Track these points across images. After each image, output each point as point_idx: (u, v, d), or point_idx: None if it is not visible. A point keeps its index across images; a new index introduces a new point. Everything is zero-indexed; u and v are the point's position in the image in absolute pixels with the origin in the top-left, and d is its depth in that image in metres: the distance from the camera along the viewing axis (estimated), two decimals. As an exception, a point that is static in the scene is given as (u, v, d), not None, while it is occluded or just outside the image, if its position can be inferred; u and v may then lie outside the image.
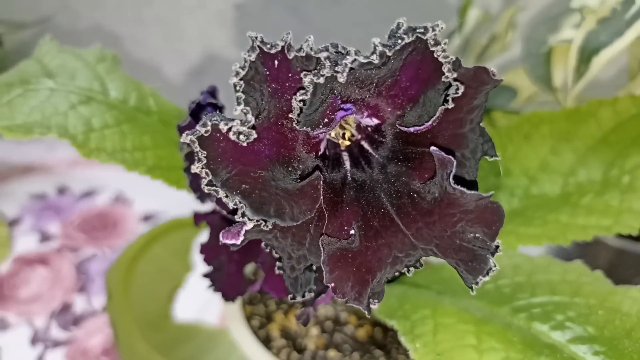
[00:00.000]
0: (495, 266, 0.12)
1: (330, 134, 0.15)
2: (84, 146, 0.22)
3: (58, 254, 0.52)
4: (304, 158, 0.15)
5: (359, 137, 0.16)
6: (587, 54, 0.25)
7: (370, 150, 0.15)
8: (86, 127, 0.23)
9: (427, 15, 0.54)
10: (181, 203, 0.52)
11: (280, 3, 0.58)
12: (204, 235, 0.24)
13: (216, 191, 0.13)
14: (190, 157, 0.22)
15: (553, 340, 0.17)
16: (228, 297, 0.22)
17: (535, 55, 0.28)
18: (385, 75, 0.13)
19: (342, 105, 0.14)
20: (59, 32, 0.67)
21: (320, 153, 0.15)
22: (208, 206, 0.23)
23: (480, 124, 0.14)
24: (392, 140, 0.15)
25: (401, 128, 0.14)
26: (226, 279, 0.22)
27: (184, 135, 0.13)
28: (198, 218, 0.23)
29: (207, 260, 0.22)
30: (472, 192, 0.12)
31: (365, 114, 0.15)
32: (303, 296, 0.15)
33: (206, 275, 0.22)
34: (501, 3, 0.38)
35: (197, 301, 0.46)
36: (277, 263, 0.16)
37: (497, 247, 0.12)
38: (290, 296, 0.15)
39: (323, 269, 0.13)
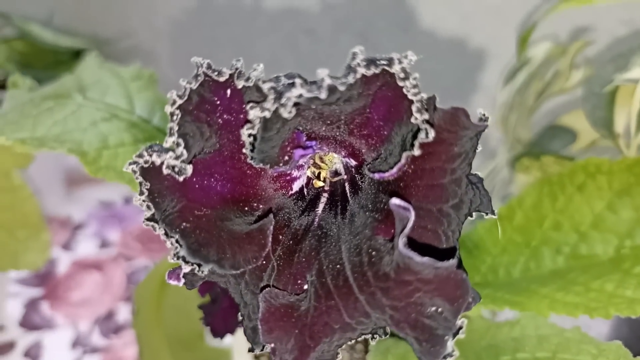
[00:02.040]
0: (454, 352, 0.10)
1: (304, 174, 0.14)
2: (93, 163, 0.22)
3: (114, 262, 0.54)
4: (269, 197, 0.13)
5: (345, 177, 0.14)
6: (654, 98, 0.21)
7: (349, 195, 0.14)
8: (101, 144, 0.23)
9: (502, 44, 0.51)
10: None
11: (349, 29, 0.57)
12: None
13: (154, 227, 0.12)
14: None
15: None
16: (217, 333, 0.20)
17: (597, 95, 0.25)
18: (353, 112, 0.11)
19: (306, 143, 0.12)
20: (139, 49, 0.71)
21: (292, 193, 0.14)
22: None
23: (472, 175, 0.12)
24: (367, 187, 0.13)
25: (368, 174, 0.12)
26: (219, 314, 0.21)
27: (126, 164, 0.12)
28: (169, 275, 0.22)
29: (201, 292, 0.21)
30: (426, 258, 0.10)
31: (343, 153, 0.13)
32: (262, 349, 0.14)
33: (200, 307, 0.21)
34: (568, 35, 0.34)
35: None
36: (239, 316, 0.14)
37: (460, 328, 0.10)
38: (249, 348, 0.14)
39: (260, 326, 0.11)
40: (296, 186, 0.14)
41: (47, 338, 0.45)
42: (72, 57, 0.59)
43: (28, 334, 0.45)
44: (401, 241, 0.10)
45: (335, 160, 0.14)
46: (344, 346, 0.18)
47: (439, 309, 0.10)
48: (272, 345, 0.12)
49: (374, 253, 0.11)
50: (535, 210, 0.25)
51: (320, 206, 0.14)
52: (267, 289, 0.12)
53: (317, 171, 0.14)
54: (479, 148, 0.12)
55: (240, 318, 0.14)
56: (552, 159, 0.26)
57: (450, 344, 0.10)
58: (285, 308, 0.12)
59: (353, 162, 0.13)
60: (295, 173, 0.14)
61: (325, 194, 0.14)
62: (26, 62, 0.59)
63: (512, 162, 0.29)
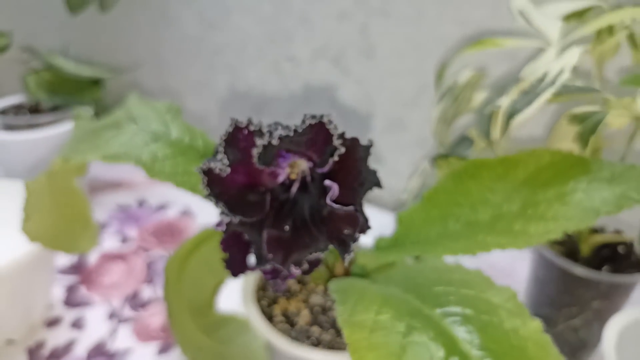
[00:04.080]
0: (351, 250, 0.22)
1: (285, 171, 0.26)
2: (150, 170, 0.34)
3: (134, 253, 0.65)
4: (266, 184, 0.25)
5: (307, 173, 0.26)
6: (507, 118, 0.34)
7: (308, 182, 0.26)
8: (153, 157, 0.34)
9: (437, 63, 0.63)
10: None
11: (324, 56, 0.69)
12: None
13: (209, 199, 0.24)
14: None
15: (432, 313, 0.26)
16: (235, 274, 0.32)
17: (483, 116, 0.37)
18: (307, 140, 0.23)
19: (285, 154, 0.24)
20: (149, 76, 0.82)
21: (278, 181, 0.26)
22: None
23: (370, 168, 0.24)
24: (317, 177, 0.25)
25: (316, 170, 0.24)
26: (235, 263, 0.32)
27: (196, 167, 0.24)
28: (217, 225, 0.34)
29: (224, 250, 0.33)
30: (338, 205, 0.22)
31: (305, 160, 0.25)
32: (261, 265, 0.25)
33: (223, 260, 0.33)
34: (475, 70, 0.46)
35: (234, 298, 0.57)
36: (251, 250, 0.26)
37: (357, 239, 0.22)
38: (257, 264, 0.26)
39: (264, 246, 0.23)
40: (280, 178, 0.26)
41: (88, 313, 0.56)
42: (92, 85, 0.70)
43: (71, 310, 0.56)
44: (329, 199, 0.22)
45: (301, 164, 0.26)
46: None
47: (347, 231, 0.22)
48: (270, 255, 0.23)
49: (319, 208, 0.23)
50: (445, 193, 0.37)
51: (294, 188, 0.26)
52: (267, 228, 0.24)
53: (291, 170, 0.26)
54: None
55: (252, 250, 0.26)
56: (456, 159, 0.38)
57: (352, 245, 0.22)
58: (277, 237, 0.23)
59: (310, 164, 0.25)
60: (280, 171, 0.26)
61: (296, 182, 0.26)
62: (53, 90, 0.70)
63: (431, 162, 0.41)
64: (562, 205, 0.31)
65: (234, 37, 0.73)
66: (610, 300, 0.46)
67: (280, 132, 0.22)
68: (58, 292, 0.59)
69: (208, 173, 0.23)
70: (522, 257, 0.61)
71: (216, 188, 0.24)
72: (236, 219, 0.24)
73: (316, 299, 0.39)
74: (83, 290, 0.59)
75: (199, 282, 0.51)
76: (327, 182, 0.23)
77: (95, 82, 0.70)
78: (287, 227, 0.24)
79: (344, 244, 0.22)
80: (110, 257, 0.64)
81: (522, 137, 0.37)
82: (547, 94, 0.31)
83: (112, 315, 0.56)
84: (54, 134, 0.64)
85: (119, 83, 0.75)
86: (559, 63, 0.32)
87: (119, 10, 0.74)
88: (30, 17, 0.83)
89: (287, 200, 0.25)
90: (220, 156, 0.23)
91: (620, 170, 0.31)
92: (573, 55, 0.31)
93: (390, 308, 0.27)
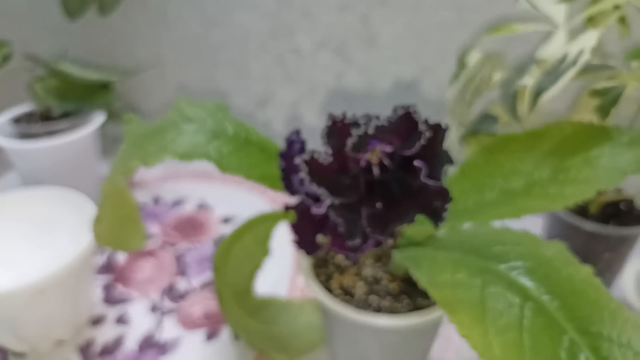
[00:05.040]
0: (444, 218, 0.26)
1: (366, 156, 0.29)
2: (220, 164, 0.36)
3: (161, 249, 0.68)
4: (354, 168, 0.29)
5: (384, 156, 0.30)
6: (534, 96, 0.38)
7: (388, 164, 0.29)
8: (220, 153, 0.37)
9: (445, 53, 0.68)
10: (248, 206, 0.70)
11: (326, 47, 0.73)
12: (280, 226, 0.39)
13: (311, 185, 0.27)
14: (285, 171, 0.36)
15: (498, 268, 0.31)
16: (309, 252, 0.36)
17: (508, 94, 0.41)
18: (393, 128, 0.27)
19: (372, 141, 0.28)
20: (151, 77, 0.84)
21: (363, 166, 0.29)
22: (292, 200, 0.37)
23: (444, 150, 0.28)
24: (398, 159, 0.29)
25: (401, 153, 0.27)
26: (307, 243, 0.36)
27: (296, 157, 0.27)
28: (287, 208, 0.37)
29: (295, 233, 0.36)
30: (434, 183, 0.26)
31: (385, 145, 0.29)
32: (353, 240, 0.29)
33: (294, 241, 0.36)
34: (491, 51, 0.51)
35: (269, 280, 0.60)
36: (340, 228, 0.30)
37: (447, 209, 0.26)
38: (348, 242, 0.29)
39: (363, 223, 0.27)
40: (362, 162, 0.29)
41: (130, 308, 0.59)
42: (101, 88, 0.72)
43: (113, 307, 0.59)
44: (423, 175, 0.25)
45: (382, 148, 0.30)
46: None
47: (437, 203, 0.26)
48: (369, 229, 0.27)
49: (409, 185, 0.27)
50: (477, 167, 0.41)
51: (375, 170, 0.29)
52: (365, 207, 0.27)
53: (371, 154, 0.29)
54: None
55: (340, 230, 0.30)
56: (484, 136, 0.42)
57: (444, 214, 0.26)
58: (374, 214, 0.27)
59: (390, 148, 0.29)
60: (362, 156, 0.29)
61: (375, 165, 0.30)
62: (63, 95, 0.71)
63: (460, 140, 0.45)
64: (592, 169, 0.35)
65: (235, 33, 0.75)
66: (618, 251, 0.51)
67: (374, 122, 0.26)
68: (96, 291, 0.61)
69: (310, 162, 0.27)
70: (534, 221, 0.66)
71: (317, 175, 0.27)
72: (337, 201, 0.27)
73: (368, 271, 0.43)
74: (120, 288, 0.61)
75: (239, 268, 0.54)
76: (417, 162, 0.26)
77: (105, 86, 0.71)
78: (378, 204, 0.28)
79: (437, 214, 0.26)
80: (139, 255, 0.67)
81: (545, 112, 0.41)
82: (571, 73, 0.35)
83: (154, 309, 0.58)
84: (70, 140, 0.65)
85: (123, 86, 0.76)
86: (577, 44, 0.36)
87: (117, 13, 0.75)
88: (25, 24, 0.84)
89: (374, 180, 0.29)
90: (324, 146, 0.26)
91: (637, 135, 0.36)
92: (591, 38, 0.35)
93: (462, 268, 0.31)
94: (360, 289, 0.42)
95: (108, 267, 0.64)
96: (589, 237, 0.50)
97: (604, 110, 0.37)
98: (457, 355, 0.53)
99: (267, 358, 0.52)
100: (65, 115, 0.71)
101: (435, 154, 0.27)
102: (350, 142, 0.27)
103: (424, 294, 0.42)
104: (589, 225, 0.49)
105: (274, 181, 0.38)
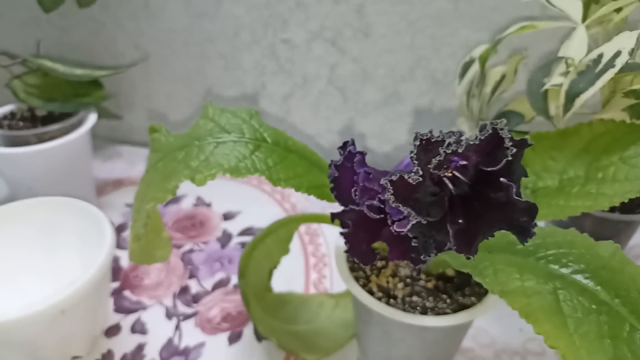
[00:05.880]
0: (534, 234, 0.27)
1: (450, 173, 0.30)
2: (271, 179, 0.35)
3: (164, 251, 0.66)
4: (438, 186, 0.29)
5: (465, 172, 0.30)
6: (571, 97, 0.39)
7: (470, 179, 0.29)
8: (266, 165, 0.36)
9: (441, 45, 0.68)
10: (247, 201, 0.69)
11: (320, 38, 0.71)
12: (316, 227, 0.39)
13: (398, 205, 0.27)
14: (335, 181, 0.35)
15: (562, 273, 0.32)
16: (365, 263, 0.36)
17: (536, 93, 0.42)
18: (479, 145, 0.27)
19: (454, 158, 0.28)
20: (135, 71, 0.80)
21: (447, 183, 0.29)
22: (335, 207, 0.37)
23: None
24: (473, 174, 0.29)
25: (482, 167, 0.28)
26: (361, 252, 0.36)
27: (382, 179, 0.27)
28: (334, 216, 0.37)
29: (348, 242, 0.36)
30: (522, 199, 0.26)
31: (469, 160, 0.29)
32: (429, 255, 0.29)
33: (347, 251, 0.36)
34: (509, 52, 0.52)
35: (285, 276, 0.60)
36: (413, 242, 0.30)
37: (535, 224, 0.26)
38: (418, 259, 0.30)
39: (451, 240, 0.27)
40: (446, 179, 0.30)
41: (144, 316, 0.57)
42: (90, 86, 0.68)
43: (127, 316, 0.57)
44: (513, 194, 0.26)
45: (464, 164, 0.30)
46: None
47: (524, 219, 0.26)
48: (456, 246, 0.27)
49: (491, 200, 0.27)
50: (509, 165, 0.42)
51: (458, 185, 0.29)
52: (450, 223, 0.27)
53: (455, 171, 0.29)
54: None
55: (414, 244, 0.30)
56: (515, 134, 0.43)
57: (532, 231, 0.26)
58: (457, 230, 0.27)
59: (473, 165, 0.29)
60: (447, 173, 0.29)
61: (460, 181, 0.30)
62: (46, 95, 0.67)
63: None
64: (632, 168, 0.37)
65: (224, 23, 0.73)
66: (622, 235, 0.54)
67: (464, 141, 0.26)
68: (111, 303, 0.59)
69: (396, 183, 0.27)
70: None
71: (402, 195, 0.27)
72: (424, 220, 0.27)
73: (405, 271, 0.43)
74: (129, 295, 0.59)
75: (259, 269, 0.54)
76: (504, 180, 0.27)
77: (93, 83, 0.68)
78: (460, 220, 0.28)
79: (525, 230, 0.27)
80: (142, 259, 0.65)
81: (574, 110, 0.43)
82: (609, 75, 0.36)
83: (170, 315, 0.57)
84: (62, 144, 0.62)
85: (106, 80, 0.72)
86: (614, 45, 0.37)
87: (95, 4, 0.71)
88: (-10, 17, 0.78)
89: (457, 196, 0.29)
90: (415, 166, 0.26)
91: (671, 133, 0.37)
92: (630, 38, 0.36)
93: (530, 274, 0.32)
94: (401, 290, 0.42)
95: (113, 275, 0.62)
96: (598, 222, 0.53)
97: (638, 110, 0.38)
98: (475, 342, 0.55)
99: (296, 359, 0.53)
100: (51, 115, 0.67)
101: (516, 168, 0.27)
102: (436, 160, 0.27)
103: (462, 291, 0.43)
104: (599, 212, 0.51)
105: (322, 191, 0.38)
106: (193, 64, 0.77)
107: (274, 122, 0.78)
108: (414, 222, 0.27)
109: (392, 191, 0.27)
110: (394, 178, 0.27)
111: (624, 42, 0.37)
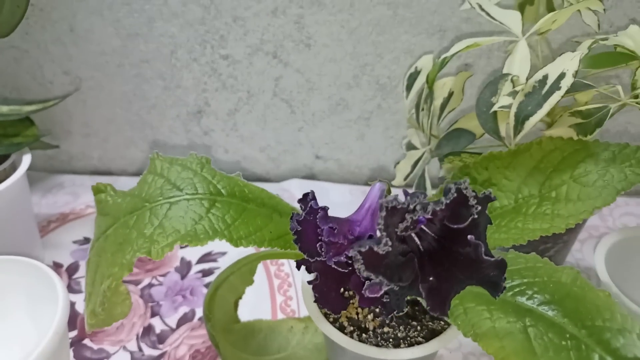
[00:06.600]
0: (505, 288, 0.27)
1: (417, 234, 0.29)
2: (232, 240, 0.34)
3: (120, 289, 0.63)
4: (406, 249, 0.29)
5: (432, 232, 0.30)
6: (521, 119, 0.39)
7: (428, 232, 0.29)
8: (225, 224, 0.35)
9: (384, 50, 0.68)
10: None
11: (260, 50, 0.70)
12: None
13: (369, 274, 0.27)
14: (298, 234, 0.34)
15: (529, 306, 0.32)
16: (335, 312, 0.35)
17: (485, 113, 0.42)
18: (448, 206, 0.27)
19: (421, 219, 0.28)
20: (68, 98, 0.76)
21: (414, 245, 0.29)
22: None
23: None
24: (438, 229, 0.29)
25: (448, 224, 0.28)
26: (330, 301, 0.36)
27: (351, 250, 0.26)
28: (301, 264, 0.36)
29: (317, 292, 0.35)
30: (491, 257, 0.26)
31: (435, 221, 0.29)
32: (400, 311, 0.29)
33: (315, 301, 0.36)
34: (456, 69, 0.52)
35: (251, 302, 0.59)
36: (384, 298, 0.29)
37: (505, 278, 0.27)
38: (385, 314, 0.29)
39: (425, 298, 0.27)
40: (412, 242, 0.29)
41: (109, 364, 0.55)
42: (20, 124, 0.63)
43: (90, 367, 0.55)
44: (482, 253, 0.26)
45: (429, 226, 0.30)
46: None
47: (494, 274, 0.27)
48: (430, 306, 0.27)
49: (461, 257, 0.27)
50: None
51: (425, 244, 0.29)
52: (422, 283, 0.27)
53: (422, 232, 0.29)
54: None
55: (385, 301, 0.30)
56: (467, 155, 0.44)
57: (503, 285, 0.27)
58: (432, 289, 0.27)
59: (439, 224, 0.29)
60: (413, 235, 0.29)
61: (417, 236, 0.30)
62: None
63: (441, 158, 0.46)
64: (584, 187, 0.38)
65: (159, 42, 0.70)
66: (573, 233, 0.56)
67: (431, 206, 0.26)
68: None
69: (366, 254, 0.26)
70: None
71: (372, 265, 0.27)
72: (396, 287, 0.27)
73: (374, 302, 0.43)
74: (90, 345, 0.57)
75: (224, 303, 0.53)
76: (471, 238, 0.27)
77: (24, 120, 0.63)
78: (431, 278, 0.28)
79: (496, 285, 0.27)
80: (98, 300, 0.62)
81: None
82: (556, 97, 0.37)
83: (136, 359, 0.55)
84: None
85: (40, 113, 0.68)
86: (558, 66, 0.38)
87: (15, 31, 0.66)
88: None
89: (425, 256, 0.29)
90: (383, 240, 0.26)
91: (617, 150, 0.38)
92: (574, 60, 0.37)
93: (499, 311, 0.32)
94: (371, 322, 0.42)
95: (69, 321, 0.59)
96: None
97: (588, 130, 0.39)
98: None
99: (271, 392, 0.52)
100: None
101: (482, 223, 0.27)
102: (402, 225, 0.26)
103: (430, 315, 0.43)
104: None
105: (285, 240, 0.37)
106: (130, 86, 0.74)
107: (221, 138, 0.76)
108: (385, 288, 0.27)
109: (362, 261, 0.27)
110: (362, 250, 0.26)
111: (567, 63, 0.37)
